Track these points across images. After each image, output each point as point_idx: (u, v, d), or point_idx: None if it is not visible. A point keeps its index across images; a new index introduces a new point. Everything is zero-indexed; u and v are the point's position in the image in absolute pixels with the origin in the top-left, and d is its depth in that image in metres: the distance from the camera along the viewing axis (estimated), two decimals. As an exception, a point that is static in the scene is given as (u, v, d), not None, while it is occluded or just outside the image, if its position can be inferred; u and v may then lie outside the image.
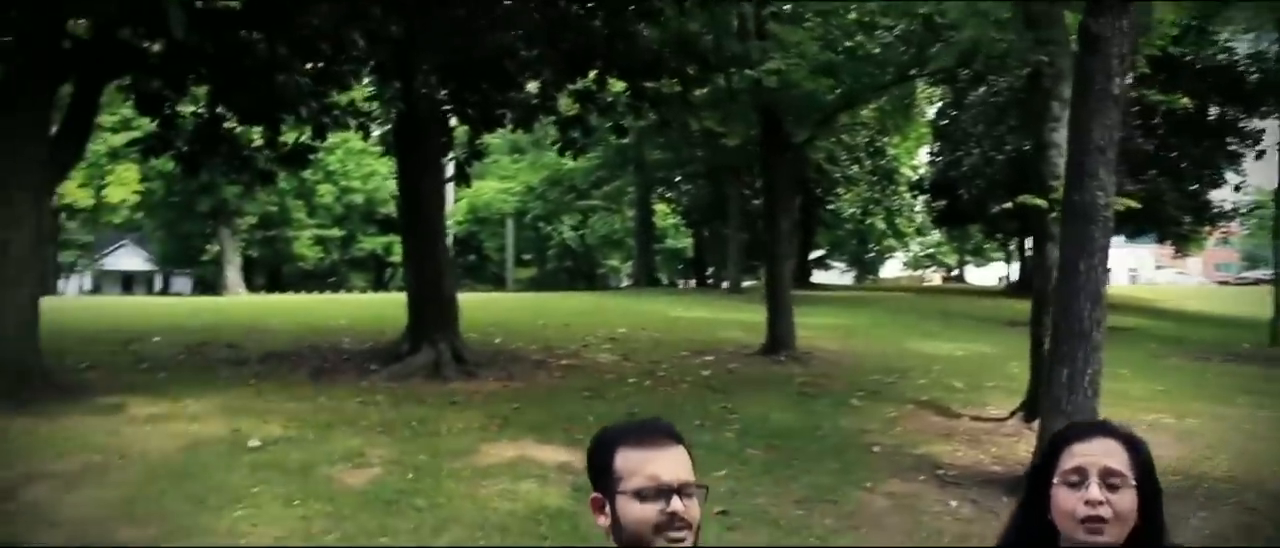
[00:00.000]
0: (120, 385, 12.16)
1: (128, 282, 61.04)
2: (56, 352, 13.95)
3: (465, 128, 16.08)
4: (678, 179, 41.65)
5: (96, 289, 58.92)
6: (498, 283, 54.93)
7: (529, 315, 22.51)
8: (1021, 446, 10.50)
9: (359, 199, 51.92)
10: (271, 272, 56.18)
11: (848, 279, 64.58)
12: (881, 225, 49.15)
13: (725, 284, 37.46)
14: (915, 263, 76.77)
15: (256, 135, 14.63)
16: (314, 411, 11.35)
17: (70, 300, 32.22)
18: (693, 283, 49.09)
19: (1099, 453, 2.12)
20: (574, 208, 48.60)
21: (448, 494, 8.37)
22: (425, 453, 9.55)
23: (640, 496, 2.15)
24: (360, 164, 49.61)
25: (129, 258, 61.55)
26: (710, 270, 50.06)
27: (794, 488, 8.78)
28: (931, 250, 71.87)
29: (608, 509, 2.22)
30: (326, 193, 49.64)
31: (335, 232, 53.92)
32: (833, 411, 12.37)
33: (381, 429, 10.52)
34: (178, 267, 57.38)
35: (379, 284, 55.62)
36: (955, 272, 72.03)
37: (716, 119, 17.91)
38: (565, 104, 16.19)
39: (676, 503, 2.15)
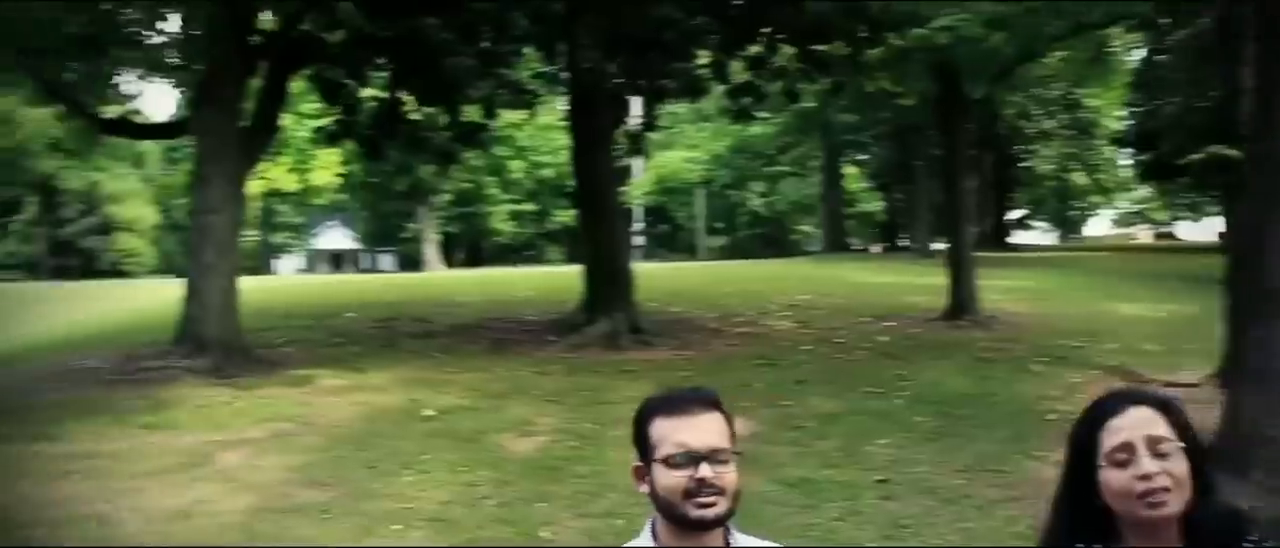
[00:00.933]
0: (312, 359, 12.86)
1: (336, 260, 64.14)
2: (258, 328, 14.88)
3: (640, 100, 16.24)
4: (866, 140, 40.84)
5: (308, 268, 62.17)
6: (690, 252, 55.24)
7: (712, 284, 22.63)
8: (1213, 414, 9.89)
9: (550, 173, 53.03)
10: (471, 247, 58.13)
11: (1051, 239, 61.91)
12: (1082, 182, 46.88)
13: (916, 248, 36.61)
14: (1123, 220, 72.91)
15: (441, 117, 15.17)
16: (490, 381, 11.73)
17: (279, 280, 34.17)
18: (885, 247, 48.14)
19: (1138, 423, 2.01)
20: (761, 174, 48.32)
21: (608, 462, 8.51)
22: (591, 421, 9.75)
23: (669, 463, 2.17)
24: (549, 139, 50.68)
25: (337, 237, 64.66)
26: (903, 234, 48.99)
27: (959, 457, 8.55)
28: (1141, 207, 68.04)
29: (647, 478, 2.25)
30: (518, 168, 50.95)
31: (529, 206, 55.27)
32: (1010, 377, 11.96)
33: (552, 399, 10.79)
34: (381, 245, 60.04)
35: (574, 256, 56.78)
36: (1168, 228, 68.00)
37: (890, 79, 17.45)
38: (736, 71, 16.12)
39: (705, 469, 2.15)
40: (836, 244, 43.58)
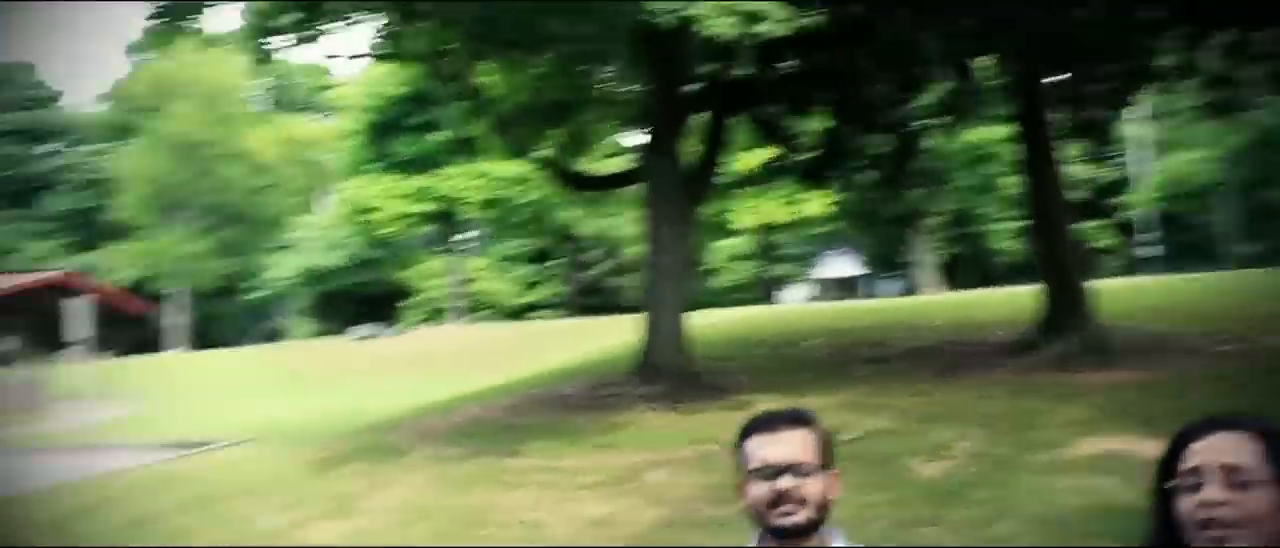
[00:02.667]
0: (759, 385, 13.50)
1: (843, 286, 65.45)
2: (723, 356, 15.89)
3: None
4: None
5: (817, 296, 63.96)
6: (1220, 261, 50.17)
7: (1217, 297, 20.63)
8: None
9: (1050, 188, 50.58)
10: (981, 268, 56.84)
11: None
12: None
13: None
14: None
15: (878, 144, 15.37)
16: (925, 405, 11.67)
17: (769, 310, 35.51)
18: None
19: (1218, 449, 1.89)
20: (1295, 170, 42.87)
21: (1015, 487, 8.27)
22: (1010, 446, 9.47)
23: (754, 476, 2.40)
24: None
25: (842, 264, 65.95)
26: None
27: None
28: None
29: (745, 492, 2.49)
30: (1012, 184, 49.15)
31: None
32: None
33: (980, 422, 10.55)
34: (884, 270, 60.44)
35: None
36: None
37: None
38: (1208, 64, 14.73)
39: (785, 481, 2.35)
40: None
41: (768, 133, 14.25)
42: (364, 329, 46.31)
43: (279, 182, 58.63)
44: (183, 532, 9.46)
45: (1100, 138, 15.40)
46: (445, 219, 46.13)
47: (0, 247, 61.32)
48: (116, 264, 57.60)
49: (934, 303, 28.71)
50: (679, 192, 13.36)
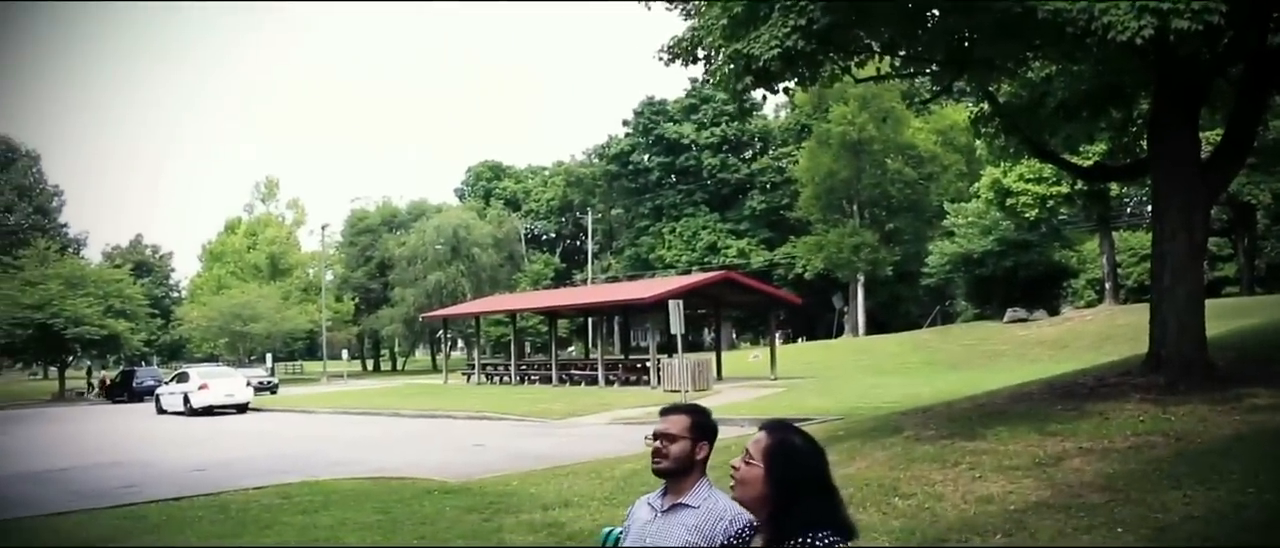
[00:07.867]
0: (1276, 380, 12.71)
1: None
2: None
3: None
4: None
5: None
6: None
7: None
8: None
9: None
10: None
11: None
12: None
13: None
14: None
15: None
16: None
17: None
18: None
19: (752, 439, 3.08)
20: None
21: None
22: None
23: (650, 438, 3.95)
24: None
25: None
26: None
27: None
28: None
29: None
30: None
31: None
32: None
33: None
34: None
35: None
36: None
37: None
38: None
39: (658, 442, 3.78)
40: None
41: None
42: (1015, 312, 46.92)
43: (939, 170, 60.80)
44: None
45: None
46: (1098, 198, 45.02)
47: (708, 243, 71.06)
48: (801, 257, 63.90)
49: None
50: (1184, 182, 13.07)
